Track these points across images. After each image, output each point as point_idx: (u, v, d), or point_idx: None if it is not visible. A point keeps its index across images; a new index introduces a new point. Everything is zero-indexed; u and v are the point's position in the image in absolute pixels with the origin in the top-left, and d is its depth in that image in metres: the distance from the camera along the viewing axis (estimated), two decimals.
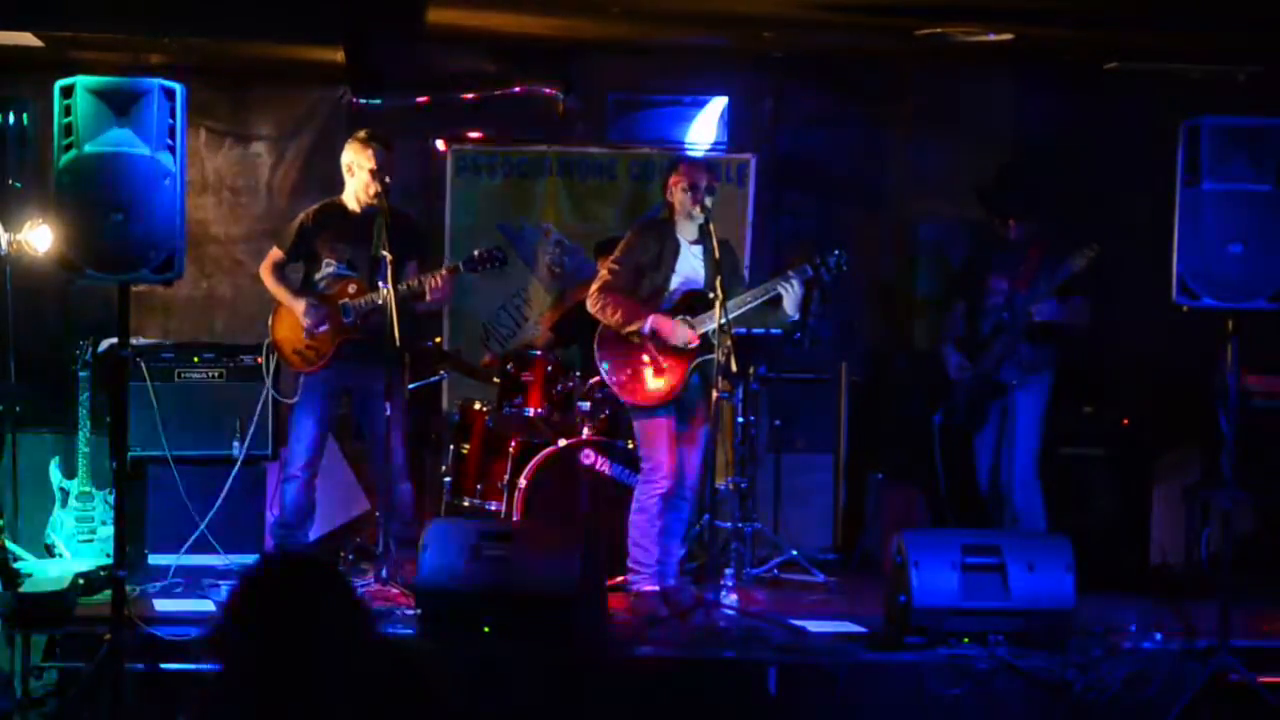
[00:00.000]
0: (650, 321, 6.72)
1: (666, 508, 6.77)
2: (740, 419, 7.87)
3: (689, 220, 6.79)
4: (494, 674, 5.80)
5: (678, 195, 6.79)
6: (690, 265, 6.84)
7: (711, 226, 6.67)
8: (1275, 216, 6.02)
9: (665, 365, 6.75)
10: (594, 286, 6.89)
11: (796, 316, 6.76)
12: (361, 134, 7.17)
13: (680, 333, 6.71)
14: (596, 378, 7.18)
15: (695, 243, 6.83)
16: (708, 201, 6.71)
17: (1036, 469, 7.45)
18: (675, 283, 6.82)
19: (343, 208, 7.20)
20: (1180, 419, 8.04)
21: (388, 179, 7.03)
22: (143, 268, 5.62)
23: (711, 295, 6.54)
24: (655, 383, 6.75)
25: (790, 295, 6.65)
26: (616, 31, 8.35)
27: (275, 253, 7.29)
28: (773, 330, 7.62)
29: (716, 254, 6.60)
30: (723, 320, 6.45)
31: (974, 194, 8.08)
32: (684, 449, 6.82)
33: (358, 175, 7.08)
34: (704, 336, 6.71)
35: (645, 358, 6.78)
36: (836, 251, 6.75)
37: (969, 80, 8.96)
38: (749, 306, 6.71)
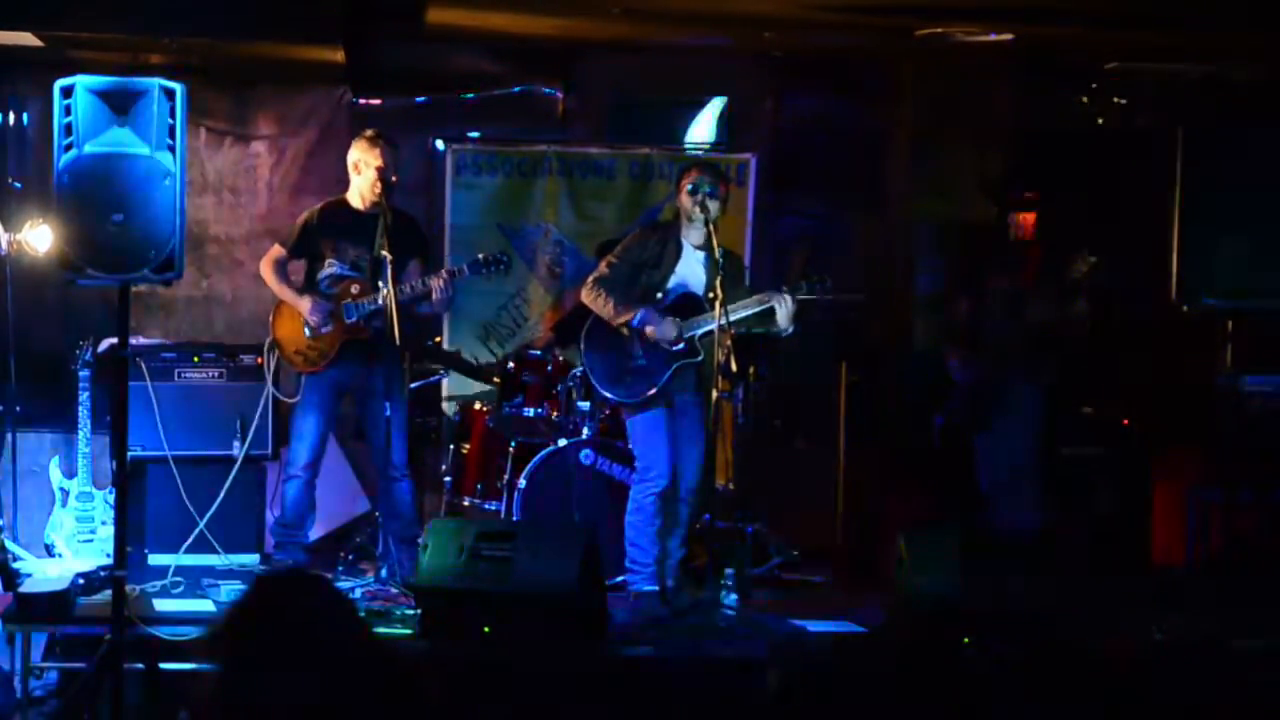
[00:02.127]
0: (640, 314, 6.73)
1: (663, 507, 6.77)
2: (740, 419, 7.87)
3: (695, 225, 6.77)
4: (493, 674, 5.80)
5: (683, 197, 6.79)
6: (691, 270, 6.83)
7: (712, 228, 6.67)
8: (1275, 216, 6.03)
9: (646, 363, 6.75)
10: (590, 277, 6.90)
11: (790, 330, 6.76)
12: (369, 132, 7.15)
13: (666, 329, 6.71)
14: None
15: (700, 248, 6.82)
16: (710, 205, 6.70)
17: (1036, 469, 7.45)
18: (672, 283, 6.82)
19: (347, 206, 7.19)
20: (1180, 419, 8.04)
21: (394, 179, 7.03)
22: (143, 268, 5.62)
23: (711, 295, 6.55)
24: (634, 380, 6.76)
25: (783, 309, 6.65)
26: (616, 31, 8.35)
27: (277, 249, 7.27)
28: (773, 330, 7.63)
29: (716, 254, 6.60)
30: (722, 321, 6.45)
31: (975, 194, 8.09)
32: (681, 448, 6.81)
33: (364, 174, 7.07)
34: (690, 340, 6.71)
35: (628, 354, 6.78)
36: (826, 277, 6.78)
37: (969, 80, 8.96)
38: (739, 315, 6.69)
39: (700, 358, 6.72)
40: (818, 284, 6.73)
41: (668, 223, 7.01)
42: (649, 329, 6.72)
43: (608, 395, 6.89)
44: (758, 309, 6.70)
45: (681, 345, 6.73)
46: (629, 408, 6.83)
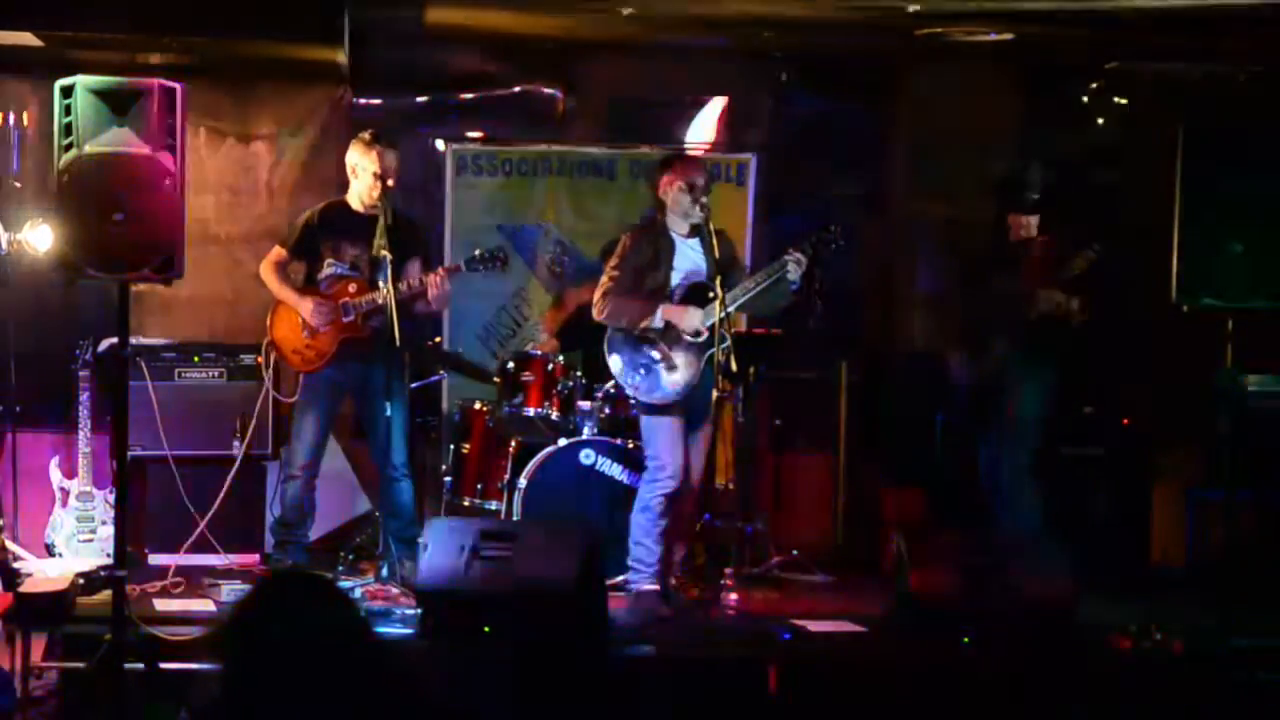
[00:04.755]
0: (660, 312, 6.72)
1: (670, 508, 6.76)
2: (740, 419, 7.87)
3: (682, 218, 6.79)
4: (493, 673, 5.80)
5: (673, 194, 6.78)
6: (689, 260, 6.84)
7: (710, 224, 6.67)
8: (1275, 216, 6.03)
9: (679, 361, 6.73)
10: (597, 295, 6.86)
11: (799, 284, 6.73)
12: (366, 135, 7.14)
13: (692, 317, 6.69)
14: (611, 383, 7.15)
15: (689, 236, 6.83)
16: (704, 199, 6.71)
17: (1036, 469, 7.45)
18: (676, 279, 6.82)
19: (347, 207, 7.20)
20: (1180, 419, 8.04)
21: (391, 182, 7.02)
22: (143, 268, 5.62)
23: (712, 295, 6.54)
24: (671, 379, 6.73)
25: (796, 266, 6.64)
26: (616, 32, 8.35)
27: (278, 251, 7.28)
28: (774, 331, 7.63)
29: (716, 251, 6.60)
30: (722, 315, 6.45)
31: (975, 193, 8.08)
32: (691, 443, 6.80)
33: (361, 177, 7.08)
34: (711, 328, 6.69)
35: (658, 355, 6.76)
36: (832, 227, 6.77)
37: (969, 80, 8.95)
38: (751, 293, 6.69)
39: (726, 343, 6.66)
40: (819, 242, 6.71)
41: (652, 220, 6.98)
42: (674, 323, 6.70)
43: (650, 399, 6.80)
44: (774, 276, 6.67)
45: (705, 335, 6.72)
46: (651, 409, 6.79)
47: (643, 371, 6.77)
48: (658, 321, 6.72)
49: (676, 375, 6.73)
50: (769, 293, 6.73)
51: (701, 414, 6.80)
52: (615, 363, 6.82)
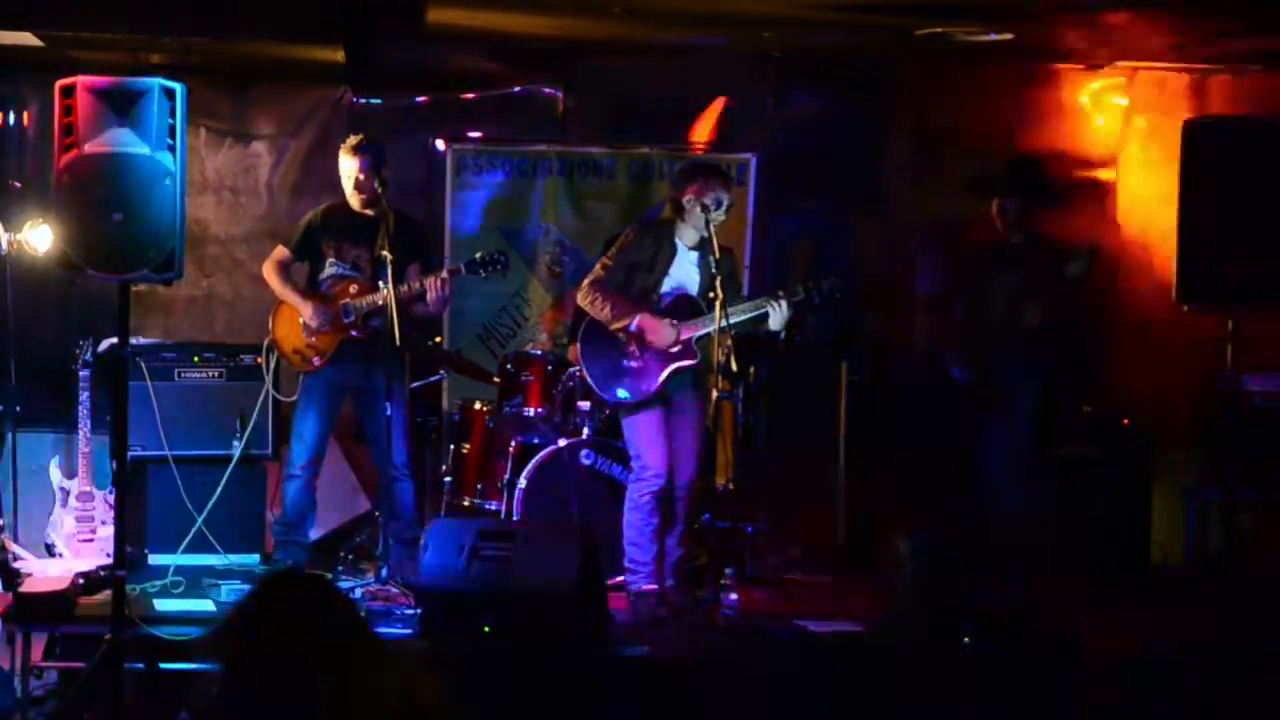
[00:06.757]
0: (637, 319, 6.72)
1: (660, 505, 6.76)
2: (740, 419, 7.87)
3: (692, 227, 6.77)
4: (493, 674, 5.80)
5: (691, 206, 6.73)
6: (685, 271, 6.83)
7: (713, 230, 6.66)
8: (1273, 216, 6.03)
9: (643, 365, 6.74)
10: (586, 280, 6.89)
11: (781, 334, 6.75)
12: (352, 140, 7.15)
13: (664, 333, 6.70)
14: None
15: (694, 249, 6.82)
16: (723, 215, 6.71)
17: (1034, 469, 7.45)
18: (667, 286, 6.82)
19: (349, 209, 7.20)
20: (1180, 419, 8.04)
21: (376, 184, 7.01)
22: (143, 267, 5.62)
23: (711, 295, 6.54)
24: (631, 381, 6.75)
25: (776, 315, 6.64)
26: (616, 31, 8.35)
27: (280, 251, 7.30)
28: (764, 331, 7.63)
29: (717, 254, 6.59)
30: (723, 323, 6.45)
31: (975, 193, 8.08)
32: (677, 446, 6.80)
33: (344, 182, 7.11)
34: (686, 343, 6.70)
35: (624, 355, 6.77)
36: (831, 279, 6.75)
37: (969, 80, 8.95)
38: (736, 320, 6.67)
39: (697, 360, 6.70)
40: (814, 290, 6.71)
41: (663, 222, 6.99)
42: (646, 334, 6.71)
43: (604, 396, 6.88)
44: (752, 314, 6.69)
45: (678, 348, 6.72)
46: (625, 408, 6.83)
47: (604, 367, 6.78)
48: (632, 326, 6.73)
49: (637, 379, 6.73)
50: (751, 322, 6.73)
51: (683, 412, 6.79)
52: (583, 355, 6.84)
